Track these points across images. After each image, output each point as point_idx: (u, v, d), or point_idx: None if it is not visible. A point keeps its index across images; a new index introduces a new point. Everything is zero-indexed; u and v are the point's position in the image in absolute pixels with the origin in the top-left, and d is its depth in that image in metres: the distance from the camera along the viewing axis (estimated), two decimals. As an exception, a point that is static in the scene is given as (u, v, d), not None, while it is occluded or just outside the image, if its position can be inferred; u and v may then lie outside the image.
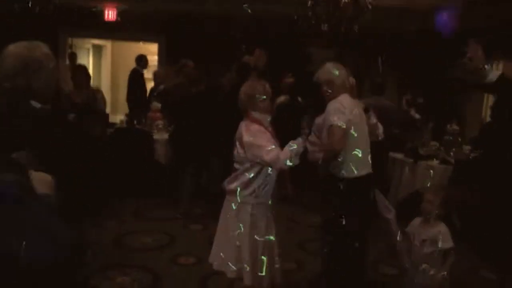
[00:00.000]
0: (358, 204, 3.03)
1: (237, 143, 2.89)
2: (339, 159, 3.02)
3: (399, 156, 5.45)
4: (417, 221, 3.17)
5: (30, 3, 5.41)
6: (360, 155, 3.05)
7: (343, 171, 3.05)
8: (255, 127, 2.82)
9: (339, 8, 5.41)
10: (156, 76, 7.48)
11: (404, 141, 5.71)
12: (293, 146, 2.71)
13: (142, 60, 8.03)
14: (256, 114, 2.87)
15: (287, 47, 7.94)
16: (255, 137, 2.77)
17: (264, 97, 2.88)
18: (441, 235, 2.97)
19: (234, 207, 2.82)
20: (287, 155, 2.68)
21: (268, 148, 2.72)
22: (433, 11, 7.44)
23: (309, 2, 5.40)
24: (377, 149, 3.31)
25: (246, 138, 2.79)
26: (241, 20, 7.78)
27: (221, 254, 2.86)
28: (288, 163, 2.68)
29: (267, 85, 2.96)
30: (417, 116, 6.52)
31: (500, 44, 7.04)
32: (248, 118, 2.89)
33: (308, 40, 7.74)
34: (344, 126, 2.94)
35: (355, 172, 3.02)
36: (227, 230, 2.86)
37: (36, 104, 1.89)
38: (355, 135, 3.03)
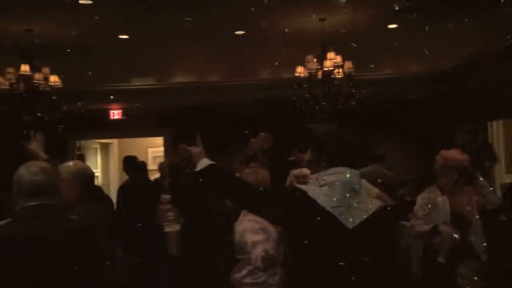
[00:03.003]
0: None
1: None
2: None
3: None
4: None
5: (39, 113, 5.68)
6: None
7: None
8: (251, 217, 2.72)
9: (334, 86, 5.64)
10: (161, 168, 7.56)
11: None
12: None
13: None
14: None
15: (289, 126, 8.14)
16: (251, 232, 2.70)
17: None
18: None
19: None
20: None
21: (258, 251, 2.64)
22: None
23: (305, 85, 5.65)
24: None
25: (241, 228, 2.75)
26: (244, 106, 8.06)
27: None
28: None
29: (261, 173, 2.93)
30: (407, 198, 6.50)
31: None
32: None
33: (308, 117, 7.95)
34: None
35: None
36: None
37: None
38: None
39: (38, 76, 5.55)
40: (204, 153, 2.12)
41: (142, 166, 7.27)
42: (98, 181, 10.09)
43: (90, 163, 9.59)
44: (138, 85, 7.88)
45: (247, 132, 6.48)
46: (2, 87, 5.47)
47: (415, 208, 3.45)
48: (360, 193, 1.81)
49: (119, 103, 8.68)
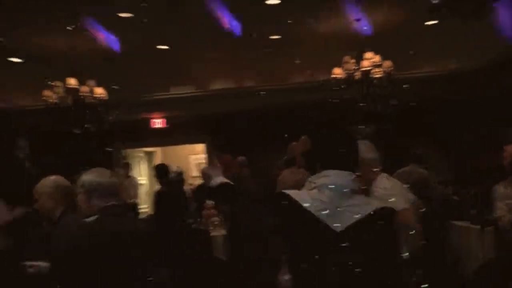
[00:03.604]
0: None
1: None
2: None
3: (462, 223, 5.22)
4: None
5: (87, 124, 5.93)
6: None
7: None
8: None
9: (373, 86, 5.58)
10: (204, 174, 7.70)
11: (465, 207, 5.51)
12: None
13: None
14: None
15: (328, 129, 8.10)
16: None
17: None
18: None
19: None
20: None
21: None
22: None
23: (343, 86, 5.62)
24: (433, 217, 3.19)
25: None
26: (283, 110, 8.08)
27: None
28: None
29: (301, 175, 2.96)
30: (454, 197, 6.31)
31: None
32: None
33: (347, 119, 7.90)
34: None
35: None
36: None
37: None
38: None
39: (84, 88, 5.79)
40: (220, 172, 2.20)
41: (179, 172, 7.46)
42: (144, 189, 10.37)
43: (135, 171, 9.87)
44: (178, 94, 8.06)
45: (286, 135, 6.50)
46: (51, 101, 5.74)
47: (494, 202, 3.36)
48: (354, 196, 1.77)
49: (160, 112, 8.91)
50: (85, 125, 5.88)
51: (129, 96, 7.53)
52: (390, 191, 2.91)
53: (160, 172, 6.09)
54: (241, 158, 6.34)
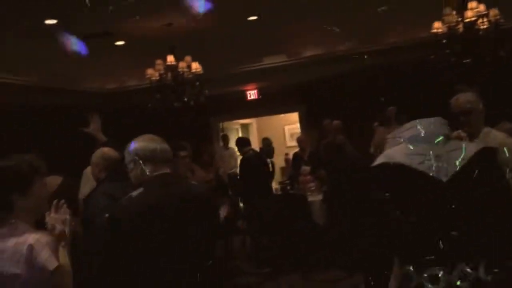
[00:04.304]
0: None
1: None
2: None
3: None
4: None
5: (186, 99, 6.23)
6: None
7: None
8: None
9: (479, 39, 5.15)
10: (300, 141, 7.77)
11: None
12: None
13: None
14: None
15: (430, 88, 7.67)
16: None
17: None
18: None
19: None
20: None
21: None
22: None
23: (444, 40, 5.26)
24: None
25: None
26: (378, 72, 7.78)
27: None
28: None
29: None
30: None
31: None
32: None
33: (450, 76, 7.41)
34: None
35: None
36: None
37: None
38: None
39: (182, 64, 6.06)
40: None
41: (268, 143, 7.88)
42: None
43: (233, 143, 10.21)
44: (270, 64, 8.11)
45: (383, 98, 6.27)
46: (154, 78, 6.10)
47: None
48: (449, 141, 1.67)
49: (254, 83, 9.04)
50: (185, 99, 6.18)
51: (223, 69, 7.75)
52: (506, 139, 2.76)
53: (240, 143, 6.61)
54: (336, 122, 6.29)
